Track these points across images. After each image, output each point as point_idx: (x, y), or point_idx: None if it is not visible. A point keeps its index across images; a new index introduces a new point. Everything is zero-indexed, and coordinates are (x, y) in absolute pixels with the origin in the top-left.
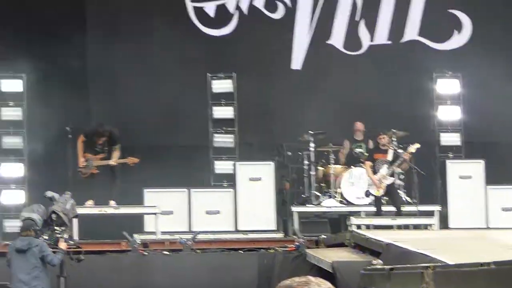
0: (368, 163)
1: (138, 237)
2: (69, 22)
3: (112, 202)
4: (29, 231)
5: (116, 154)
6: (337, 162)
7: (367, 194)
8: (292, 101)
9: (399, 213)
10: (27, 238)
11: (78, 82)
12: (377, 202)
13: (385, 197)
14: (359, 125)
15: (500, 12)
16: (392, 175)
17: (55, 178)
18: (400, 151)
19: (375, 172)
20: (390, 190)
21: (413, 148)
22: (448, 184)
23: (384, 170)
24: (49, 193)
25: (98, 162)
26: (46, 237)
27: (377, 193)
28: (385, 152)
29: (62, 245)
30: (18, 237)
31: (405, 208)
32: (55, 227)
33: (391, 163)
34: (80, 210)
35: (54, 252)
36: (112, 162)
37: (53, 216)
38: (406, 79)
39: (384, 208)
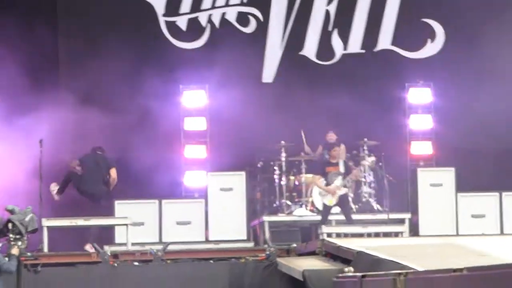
0: (318, 177)
1: (108, 249)
2: (43, 37)
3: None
4: None
5: None
6: (308, 171)
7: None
8: (264, 112)
9: (349, 224)
10: None
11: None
12: (326, 211)
13: (336, 206)
14: (331, 135)
15: (472, 21)
16: (345, 186)
17: None
18: (351, 163)
19: (328, 184)
20: (342, 201)
21: (368, 161)
22: (419, 192)
23: (338, 181)
24: (10, 206)
25: None
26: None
27: (330, 202)
28: (337, 164)
29: (15, 251)
30: None
31: (376, 216)
32: (10, 235)
33: (344, 175)
34: (51, 222)
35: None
36: None
37: (9, 225)
38: (379, 88)
39: (354, 217)
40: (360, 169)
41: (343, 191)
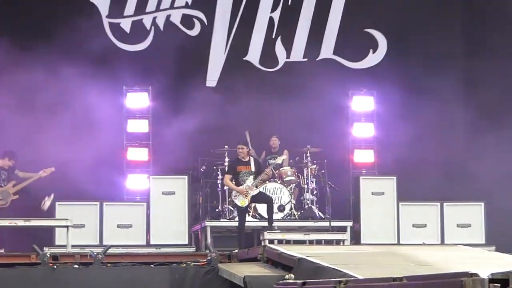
0: (228, 176)
1: (48, 250)
2: None
3: None
4: None
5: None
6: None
7: (281, 208)
8: (207, 116)
9: (270, 224)
10: None
11: None
12: (242, 213)
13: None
14: (274, 140)
15: (414, 31)
16: (257, 186)
17: None
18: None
19: (239, 184)
20: (260, 200)
21: (280, 159)
22: (361, 200)
23: (249, 181)
24: None
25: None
26: None
27: (243, 203)
28: (248, 163)
29: None
30: None
31: (318, 224)
32: None
33: (256, 175)
34: None
35: None
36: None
37: None
38: (323, 96)
39: (296, 224)
40: (271, 169)
41: (255, 191)
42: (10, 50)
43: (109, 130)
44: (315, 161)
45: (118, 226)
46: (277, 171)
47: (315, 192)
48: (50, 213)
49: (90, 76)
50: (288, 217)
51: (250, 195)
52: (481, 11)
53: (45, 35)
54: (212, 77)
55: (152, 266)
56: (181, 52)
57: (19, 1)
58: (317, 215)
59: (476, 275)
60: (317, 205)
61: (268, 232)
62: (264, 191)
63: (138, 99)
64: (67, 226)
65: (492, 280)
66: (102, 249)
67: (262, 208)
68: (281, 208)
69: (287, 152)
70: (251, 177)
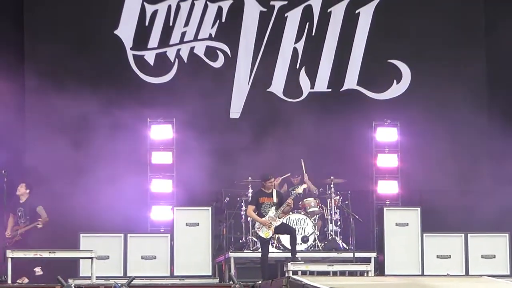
0: (251, 207)
1: (72, 282)
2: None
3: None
4: None
5: None
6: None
7: (304, 239)
8: (231, 147)
9: (294, 255)
10: None
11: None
12: (265, 244)
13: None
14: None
15: (438, 61)
16: (280, 217)
17: None
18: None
19: (262, 215)
20: (283, 231)
21: (300, 188)
22: (385, 231)
23: (272, 212)
24: None
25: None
26: None
27: (266, 234)
28: (270, 195)
29: None
30: None
31: (342, 255)
32: None
33: (278, 206)
34: (16, 254)
35: None
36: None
37: None
38: (346, 127)
39: (320, 255)
40: (292, 199)
41: (278, 222)
42: (40, 78)
43: (133, 162)
44: (338, 192)
45: (142, 257)
46: (300, 202)
47: (338, 223)
48: (74, 245)
49: (114, 108)
50: (312, 248)
51: (273, 226)
52: (506, 41)
53: (71, 67)
54: (236, 108)
55: None
56: (204, 84)
57: (43, 33)
58: (341, 246)
59: None
60: (341, 236)
61: (291, 263)
62: (287, 222)
63: (162, 131)
64: (91, 258)
65: None
66: (127, 280)
67: (285, 239)
68: (304, 239)
69: (308, 179)
70: (273, 208)
